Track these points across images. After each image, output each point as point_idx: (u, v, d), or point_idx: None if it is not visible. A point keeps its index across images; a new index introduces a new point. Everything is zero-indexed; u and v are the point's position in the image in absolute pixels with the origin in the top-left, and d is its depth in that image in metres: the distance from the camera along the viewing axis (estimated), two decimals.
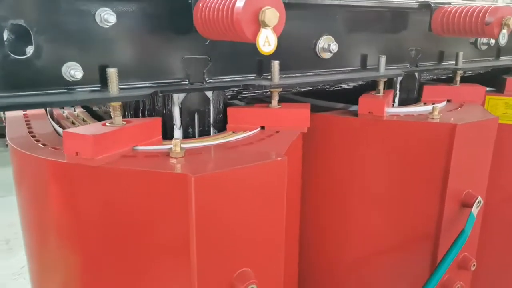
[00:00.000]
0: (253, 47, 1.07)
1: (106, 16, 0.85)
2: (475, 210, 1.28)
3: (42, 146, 0.94)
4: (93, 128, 0.87)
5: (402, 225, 1.34)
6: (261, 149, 0.96)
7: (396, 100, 1.45)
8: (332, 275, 1.49)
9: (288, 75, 1.15)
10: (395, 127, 1.24)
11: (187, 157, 0.88)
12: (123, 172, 0.79)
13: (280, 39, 1.11)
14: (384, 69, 1.28)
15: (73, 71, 0.83)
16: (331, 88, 1.51)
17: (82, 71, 0.85)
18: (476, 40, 1.60)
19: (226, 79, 1.05)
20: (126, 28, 0.90)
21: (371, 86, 1.37)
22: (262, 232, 0.89)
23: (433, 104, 1.42)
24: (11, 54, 0.79)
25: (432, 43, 1.49)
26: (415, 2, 1.31)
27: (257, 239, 0.89)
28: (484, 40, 1.59)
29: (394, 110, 1.35)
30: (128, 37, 0.90)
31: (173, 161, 0.86)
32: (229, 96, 1.29)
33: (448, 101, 1.53)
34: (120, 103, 0.89)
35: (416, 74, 1.47)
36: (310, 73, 1.19)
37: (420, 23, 1.38)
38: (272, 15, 0.72)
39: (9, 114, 1.25)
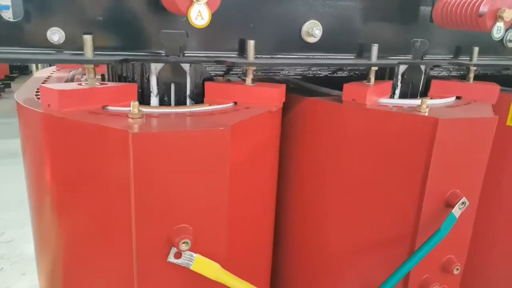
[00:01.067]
0: (235, 26, 1.14)
1: None
2: (457, 210, 1.22)
3: (38, 100, 1.10)
4: (67, 85, 1.01)
5: (381, 219, 1.32)
6: (217, 120, 1.03)
7: (397, 91, 1.42)
8: (312, 267, 1.51)
9: (269, 56, 1.20)
10: (376, 117, 1.23)
11: (144, 119, 0.98)
12: (75, 124, 0.91)
13: (266, 21, 1.17)
14: (376, 58, 1.27)
15: (54, 35, 0.97)
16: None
17: (63, 35, 0.99)
18: (503, 36, 1.49)
19: (201, 54, 1.13)
20: (108, 2, 1.02)
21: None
22: (202, 195, 0.97)
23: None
24: (4, 17, 0.95)
25: (446, 36, 1.43)
26: None
27: (197, 200, 0.97)
28: (509, 36, 1.48)
29: (386, 101, 1.33)
30: (109, 10, 1.02)
31: (130, 120, 0.96)
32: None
33: (458, 98, 1.46)
34: (92, 66, 1.01)
35: (422, 66, 1.42)
36: (293, 56, 1.22)
37: (427, 13, 1.33)
38: None
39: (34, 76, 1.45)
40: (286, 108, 1.41)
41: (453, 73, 1.66)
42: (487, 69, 1.61)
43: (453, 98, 1.44)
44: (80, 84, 1.03)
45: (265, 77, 1.66)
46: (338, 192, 1.36)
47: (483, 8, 1.08)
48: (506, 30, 1.22)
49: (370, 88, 1.25)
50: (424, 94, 1.47)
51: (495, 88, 1.44)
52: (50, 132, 0.97)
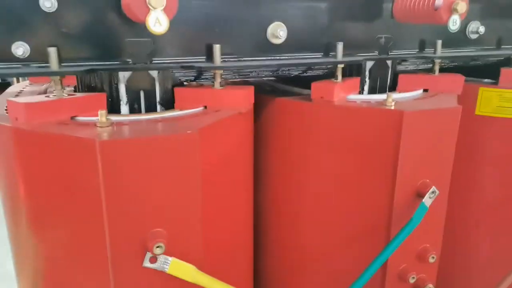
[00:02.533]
0: (201, 32, 1.16)
1: (47, 3, 0.99)
2: (427, 200, 1.25)
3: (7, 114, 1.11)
4: (34, 98, 1.02)
5: (355, 213, 1.35)
6: (186, 124, 1.04)
7: (366, 87, 1.45)
8: (291, 264, 1.53)
9: (236, 59, 1.22)
10: (343, 113, 1.26)
11: (113, 127, 0.99)
12: (42, 135, 0.92)
13: (232, 25, 1.19)
14: (341, 55, 1.30)
15: (18, 49, 0.98)
16: None
17: (28, 49, 1.00)
18: (465, 28, 1.54)
19: (169, 61, 1.15)
20: (71, 14, 1.03)
21: None
22: (174, 198, 0.98)
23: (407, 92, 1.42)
24: None
25: (411, 31, 1.46)
26: None
27: (169, 204, 0.98)
28: (472, 28, 1.52)
29: (354, 97, 1.36)
30: (73, 22, 1.03)
31: (98, 129, 0.97)
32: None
33: (426, 90, 1.49)
34: (58, 77, 1.02)
35: (389, 62, 1.46)
36: (260, 58, 1.25)
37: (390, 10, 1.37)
38: (159, 1, 0.80)
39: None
40: (259, 109, 1.44)
41: (421, 67, 1.70)
42: (453, 60, 1.65)
43: (420, 91, 1.48)
44: (48, 96, 1.04)
45: (242, 80, 1.69)
46: (311, 189, 1.38)
47: (438, 2, 1.12)
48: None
49: (337, 85, 1.28)
50: (393, 88, 1.50)
51: (460, 79, 1.49)
52: (19, 145, 0.98)
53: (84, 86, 1.18)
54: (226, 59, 1.19)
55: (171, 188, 0.97)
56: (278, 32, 1.21)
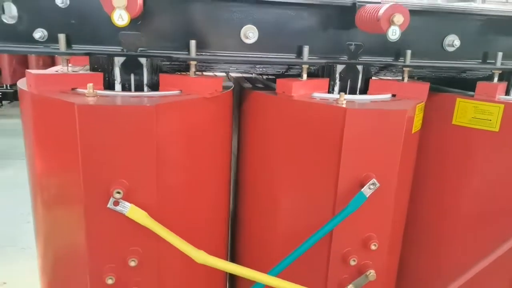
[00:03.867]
0: (184, 29, 1.43)
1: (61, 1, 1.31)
2: (366, 190, 1.40)
3: None
4: (46, 71, 1.35)
5: (310, 201, 1.52)
6: (153, 101, 1.30)
7: (336, 88, 1.62)
8: (260, 250, 1.72)
9: (212, 53, 1.47)
10: (298, 106, 1.45)
11: (98, 97, 1.28)
12: (43, 98, 1.24)
13: (210, 25, 1.44)
14: (307, 57, 1.49)
15: (36, 33, 1.31)
16: None
17: (46, 34, 1.33)
18: (442, 40, 1.64)
19: (155, 51, 1.43)
20: (80, 10, 1.34)
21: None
22: (134, 158, 1.25)
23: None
24: (4, 20, 1.31)
25: (384, 40, 1.60)
26: (346, 0, 1.48)
27: (130, 162, 1.25)
28: (448, 41, 1.62)
29: (319, 95, 1.54)
30: (80, 17, 1.35)
31: (87, 98, 1.27)
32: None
33: (394, 95, 1.62)
34: (66, 57, 1.34)
35: (359, 67, 1.61)
36: (233, 54, 1.48)
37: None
38: (119, 0, 1.08)
39: None
40: (244, 102, 1.67)
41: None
42: (428, 71, 1.75)
43: (389, 95, 1.61)
44: (57, 72, 1.37)
45: (241, 75, 1.94)
46: (271, 177, 1.58)
47: (379, 14, 1.27)
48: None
49: (296, 82, 1.48)
50: (365, 91, 1.65)
51: (424, 86, 1.60)
52: (29, 104, 1.31)
53: (92, 67, 1.49)
54: (202, 53, 1.44)
55: (132, 149, 1.24)
56: (248, 34, 1.43)
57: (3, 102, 8.36)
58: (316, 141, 1.45)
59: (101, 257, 1.31)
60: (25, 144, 1.46)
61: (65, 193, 1.33)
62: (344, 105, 1.39)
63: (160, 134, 1.27)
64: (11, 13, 1.31)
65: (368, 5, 1.40)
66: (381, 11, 1.27)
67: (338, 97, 1.43)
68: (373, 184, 1.40)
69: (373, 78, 1.69)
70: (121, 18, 1.10)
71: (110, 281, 1.30)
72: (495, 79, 1.69)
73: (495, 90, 1.63)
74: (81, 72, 1.40)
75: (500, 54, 1.66)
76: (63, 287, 1.48)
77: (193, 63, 1.42)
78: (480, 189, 1.72)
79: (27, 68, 1.89)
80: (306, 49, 1.48)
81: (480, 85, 1.67)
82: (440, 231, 1.85)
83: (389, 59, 1.63)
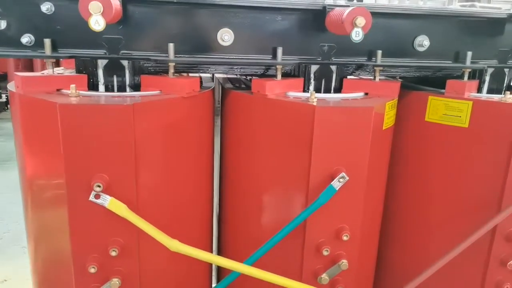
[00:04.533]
0: (164, 33, 1.51)
1: (48, 7, 1.40)
2: (336, 183, 1.47)
3: None
4: (33, 74, 1.44)
5: (286, 195, 1.60)
6: (132, 100, 1.39)
7: (311, 87, 1.69)
8: (245, 241, 1.79)
9: (190, 56, 1.55)
10: (271, 104, 1.53)
11: (80, 98, 1.37)
12: (28, 99, 1.33)
13: (188, 29, 1.53)
14: (280, 58, 1.57)
15: (24, 38, 1.41)
16: None
17: (33, 39, 1.42)
18: (412, 41, 1.71)
19: (135, 54, 1.51)
20: (65, 16, 1.43)
21: None
22: (114, 153, 1.33)
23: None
24: None
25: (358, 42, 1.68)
26: (317, 4, 1.55)
27: (110, 157, 1.34)
28: (417, 42, 1.69)
29: (293, 93, 1.62)
30: (65, 23, 1.44)
31: (69, 98, 1.36)
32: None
33: (366, 94, 1.70)
34: (50, 60, 1.43)
35: (333, 67, 1.68)
36: (210, 56, 1.57)
37: None
38: (95, 7, 1.16)
39: None
40: (225, 101, 1.75)
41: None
42: (401, 70, 1.82)
43: (361, 94, 1.69)
44: (43, 74, 1.46)
45: (226, 76, 2.02)
46: (248, 174, 1.67)
47: (343, 17, 1.35)
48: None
49: (270, 82, 1.56)
50: (339, 90, 1.73)
51: (395, 85, 1.67)
52: (17, 105, 1.41)
53: (77, 69, 1.58)
54: (180, 56, 1.53)
55: (111, 145, 1.33)
56: (223, 36, 1.52)
57: (9, 106, 8.53)
58: (288, 138, 1.53)
59: (84, 247, 1.40)
60: (15, 144, 1.55)
61: (50, 189, 1.42)
62: (314, 103, 1.46)
63: (138, 132, 1.35)
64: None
65: (336, 8, 1.48)
66: (345, 14, 1.35)
67: (310, 95, 1.50)
68: (343, 177, 1.47)
69: (348, 77, 1.77)
70: (97, 23, 1.18)
71: (92, 270, 1.38)
72: (465, 77, 1.76)
73: (463, 88, 1.70)
74: (66, 74, 1.49)
75: (469, 54, 1.72)
76: (50, 277, 1.57)
77: (171, 64, 1.51)
78: (452, 184, 1.79)
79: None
80: (280, 50, 1.56)
81: (449, 83, 1.74)
82: (415, 224, 1.92)
83: (362, 59, 1.71)
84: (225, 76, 2.11)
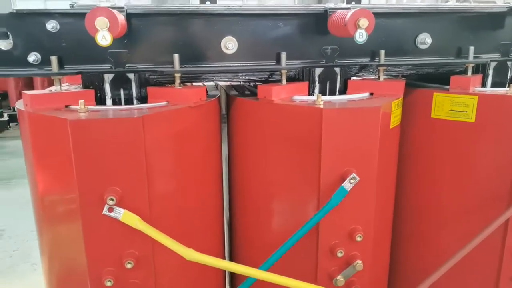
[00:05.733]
0: (168, 44, 1.52)
1: (53, 25, 1.42)
2: (347, 184, 1.48)
3: None
4: (41, 91, 1.45)
5: (297, 199, 1.61)
6: (141, 113, 1.40)
7: (316, 90, 1.70)
8: (257, 246, 1.79)
9: (195, 65, 1.56)
10: (279, 109, 1.54)
11: (89, 113, 1.38)
12: (37, 116, 1.34)
13: (192, 39, 1.54)
14: (284, 63, 1.58)
15: (31, 57, 1.42)
16: None
17: (39, 57, 1.44)
18: (414, 39, 1.72)
19: (141, 66, 1.53)
20: (70, 34, 1.45)
21: None
22: (126, 166, 1.34)
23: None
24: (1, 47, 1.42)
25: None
26: (319, 8, 1.57)
27: (122, 170, 1.34)
28: (420, 39, 1.70)
29: (298, 97, 1.62)
30: (70, 40, 1.45)
31: (79, 113, 1.37)
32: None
33: (371, 94, 1.70)
34: (58, 77, 1.45)
35: (337, 69, 1.69)
36: (215, 65, 1.58)
37: None
38: (102, 22, 1.18)
39: None
40: (231, 108, 1.76)
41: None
42: (404, 68, 1.83)
43: (366, 94, 1.69)
44: (51, 91, 1.47)
45: (229, 84, 2.03)
46: (258, 179, 1.67)
47: (346, 19, 1.36)
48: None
49: (276, 87, 1.57)
50: (344, 92, 1.73)
51: (400, 83, 1.68)
52: (26, 123, 1.42)
53: (84, 85, 1.59)
54: (185, 66, 1.54)
55: (123, 158, 1.34)
56: (227, 45, 1.53)
57: (11, 124, 8.56)
58: (297, 141, 1.53)
59: (99, 261, 1.40)
60: (25, 162, 1.56)
61: (63, 204, 1.43)
62: (321, 106, 1.47)
63: (149, 143, 1.36)
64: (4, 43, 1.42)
65: (338, 11, 1.49)
66: (348, 16, 1.36)
67: (316, 98, 1.51)
68: (353, 178, 1.48)
69: (352, 78, 1.78)
70: (104, 38, 1.20)
71: (109, 283, 1.38)
72: (469, 73, 1.77)
73: (468, 83, 1.71)
74: (73, 90, 1.50)
75: (471, 49, 1.73)
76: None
77: (177, 75, 1.52)
78: (462, 179, 1.79)
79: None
80: (283, 55, 1.57)
81: (453, 78, 1.75)
82: (426, 221, 1.92)
83: (365, 60, 1.72)
84: (228, 83, 2.12)
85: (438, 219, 1.89)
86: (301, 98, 1.62)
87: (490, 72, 1.84)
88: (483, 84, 1.85)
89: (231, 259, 2.03)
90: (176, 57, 1.49)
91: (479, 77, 1.81)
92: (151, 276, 1.46)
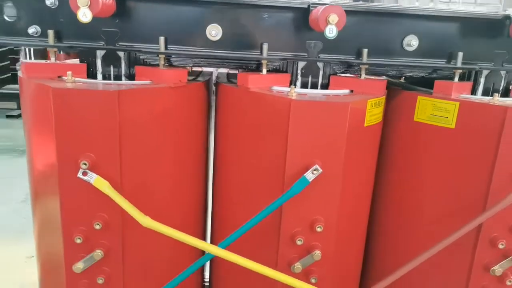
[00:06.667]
0: (156, 27, 1.63)
1: (51, 1, 1.56)
2: (309, 175, 1.52)
3: None
4: (37, 62, 1.60)
5: (265, 185, 1.67)
6: (121, 88, 1.51)
7: (298, 83, 1.75)
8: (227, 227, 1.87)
9: (180, 49, 1.66)
10: (252, 97, 1.60)
11: (75, 83, 1.51)
12: (30, 83, 1.49)
13: (178, 24, 1.64)
14: (266, 53, 1.64)
15: (31, 30, 1.57)
16: None
17: (39, 30, 1.58)
18: (401, 41, 1.73)
19: (132, 46, 1.64)
20: (67, 10, 1.58)
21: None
22: (100, 134, 1.46)
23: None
24: (6, 18, 1.58)
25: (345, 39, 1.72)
26: (302, 2, 1.61)
27: (97, 137, 1.46)
28: (405, 42, 1.71)
29: (277, 88, 1.68)
30: (67, 16, 1.58)
31: (64, 83, 1.50)
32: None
33: (352, 91, 1.73)
34: (53, 49, 1.59)
35: (320, 64, 1.73)
36: (199, 50, 1.66)
37: None
38: (83, 0, 1.29)
39: None
40: (218, 95, 1.84)
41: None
42: (389, 69, 1.84)
43: (347, 91, 1.73)
44: (46, 62, 1.62)
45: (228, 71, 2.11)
46: (232, 164, 1.75)
47: (318, 14, 1.40)
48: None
49: (253, 75, 1.63)
50: (327, 87, 1.77)
51: (382, 83, 1.70)
52: (22, 88, 1.57)
53: (80, 60, 1.73)
54: (172, 48, 1.64)
55: (98, 127, 1.45)
56: (211, 32, 1.61)
57: None
58: (267, 129, 1.60)
59: (72, 219, 1.54)
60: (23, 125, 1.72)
61: (47, 165, 1.57)
62: (291, 97, 1.52)
63: (123, 117, 1.47)
64: (11, 12, 1.58)
65: (318, 7, 1.54)
66: (319, 12, 1.40)
67: (297, 91, 1.57)
68: (316, 170, 1.52)
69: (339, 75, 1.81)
70: (85, 15, 1.31)
71: (78, 241, 1.52)
72: (456, 79, 1.75)
73: (451, 88, 1.70)
74: (67, 62, 1.64)
75: (460, 54, 1.72)
76: (47, 247, 1.73)
77: (161, 56, 1.62)
78: (440, 184, 1.78)
79: None
80: (265, 46, 1.64)
81: (437, 83, 1.74)
82: (405, 222, 1.92)
83: (349, 57, 1.74)
84: (227, 71, 2.20)
85: (415, 221, 1.89)
86: (279, 88, 1.68)
87: (482, 80, 1.82)
88: (474, 92, 1.83)
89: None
90: (161, 39, 1.59)
91: (467, 84, 1.79)
92: (119, 239, 1.58)
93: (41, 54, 3.91)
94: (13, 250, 3.15)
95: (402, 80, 2.28)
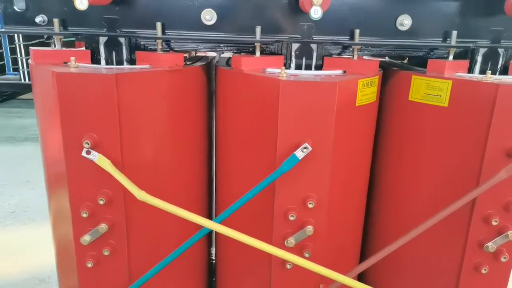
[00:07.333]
0: (154, 13, 1.71)
1: None
2: (299, 153, 1.58)
3: None
4: (44, 49, 1.71)
5: (258, 164, 1.74)
6: (119, 71, 1.60)
7: (292, 65, 1.80)
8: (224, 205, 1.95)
9: (176, 33, 1.73)
10: (245, 78, 1.66)
11: (78, 68, 1.61)
12: (38, 68, 1.60)
13: (175, 10, 1.71)
14: (259, 36, 1.70)
15: (38, 19, 1.68)
16: None
17: (46, 19, 1.69)
18: (394, 20, 1.75)
19: (129, 31, 1.73)
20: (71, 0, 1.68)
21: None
22: (102, 116, 1.56)
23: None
24: (16, 9, 1.69)
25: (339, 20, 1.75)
26: None
27: (99, 118, 1.57)
28: (399, 21, 1.72)
29: (271, 70, 1.74)
30: (72, 5, 1.68)
31: (68, 68, 1.61)
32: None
33: (345, 72, 1.77)
34: (59, 37, 1.70)
35: (313, 45, 1.77)
36: (195, 34, 1.73)
37: None
38: None
39: None
40: (216, 78, 1.92)
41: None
42: (380, 48, 1.85)
43: (340, 71, 1.76)
44: (53, 49, 1.73)
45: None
46: (228, 144, 1.83)
47: None
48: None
49: (246, 58, 1.69)
50: (321, 68, 1.81)
51: (374, 63, 1.72)
52: (32, 75, 1.69)
53: (86, 46, 1.83)
54: (169, 33, 1.72)
55: (99, 109, 1.55)
56: (205, 16, 1.68)
57: None
58: (260, 110, 1.66)
59: (79, 196, 1.65)
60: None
61: (55, 148, 1.69)
62: (281, 78, 1.58)
63: (122, 99, 1.56)
64: (21, 3, 1.69)
65: None
66: None
67: (288, 72, 1.62)
68: (306, 148, 1.58)
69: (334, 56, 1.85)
70: (81, 3, 1.41)
71: (84, 215, 1.64)
72: (450, 57, 1.76)
73: (444, 67, 1.71)
74: (72, 49, 1.75)
75: (454, 33, 1.72)
76: (57, 221, 1.87)
77: (159, 41, 1.70)
78: (434, 163, 1.80)
79: None
80: (258, 29, 1.69)
81: (431, 62, 1.75)
82: (401, 200, 1.96)
83: (343, 38, 1.77)
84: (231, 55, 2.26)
85: (412, 199, 1.92)
86: (272, 70, 1.73)
87: (479, 58, 1.81)
88: (470, 71, 1.83)
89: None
90: (158, 25, 1.67)
91: (462, 62, 1.79)
92: (122, 213, 1.69)
93: (68, 45, 4.07)
94: None
95: (406, 61, 2.29)
